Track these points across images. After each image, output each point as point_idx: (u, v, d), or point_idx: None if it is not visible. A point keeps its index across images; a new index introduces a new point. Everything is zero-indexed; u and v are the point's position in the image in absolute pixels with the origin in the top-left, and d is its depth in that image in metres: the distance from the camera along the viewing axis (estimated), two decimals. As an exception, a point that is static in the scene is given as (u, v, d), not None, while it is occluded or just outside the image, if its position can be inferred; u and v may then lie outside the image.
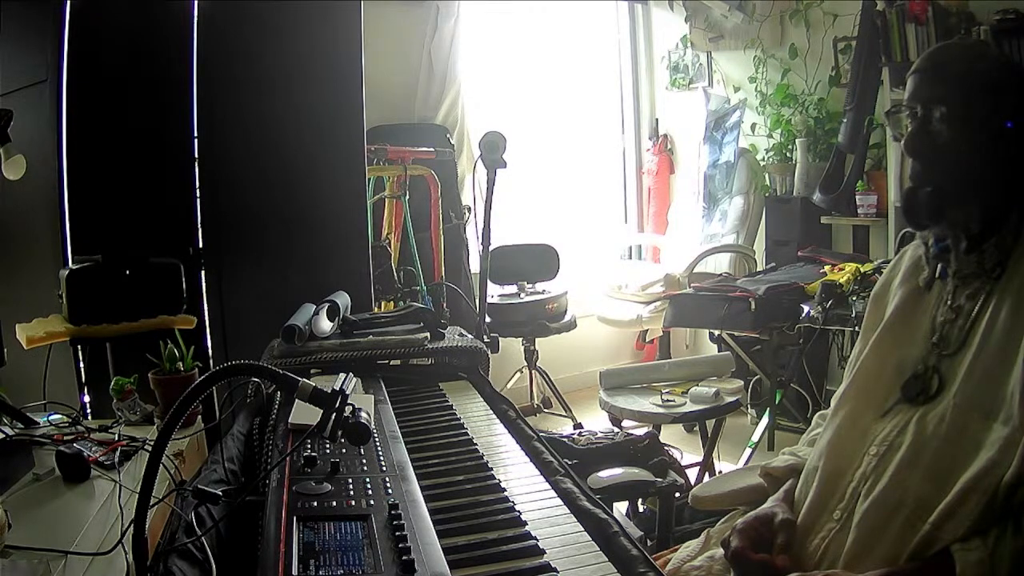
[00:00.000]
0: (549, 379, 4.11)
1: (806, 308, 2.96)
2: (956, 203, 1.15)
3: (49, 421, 1.71)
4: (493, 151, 2.85)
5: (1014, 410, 1.02)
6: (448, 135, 4.15)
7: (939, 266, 1.20)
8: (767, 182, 4.28)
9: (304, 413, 1.22)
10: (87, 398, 2.37)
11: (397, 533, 0.91)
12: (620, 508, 2.43)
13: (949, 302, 1.17)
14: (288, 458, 1.10)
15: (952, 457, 1.06)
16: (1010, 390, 1.04)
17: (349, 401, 1.00)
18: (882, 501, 1.10)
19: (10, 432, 1.58)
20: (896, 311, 1.26)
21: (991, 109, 1.13)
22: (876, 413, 1.19)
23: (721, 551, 1.28)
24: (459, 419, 1.55)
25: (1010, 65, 1.18)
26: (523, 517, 1.10)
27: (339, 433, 0.99)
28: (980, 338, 1.10)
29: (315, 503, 0.98)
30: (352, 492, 1.02)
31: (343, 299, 2.05)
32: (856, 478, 1.16)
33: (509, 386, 4.06)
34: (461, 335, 1.97)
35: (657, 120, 5.07)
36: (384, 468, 1.12)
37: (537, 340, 4.03)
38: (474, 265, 3.95)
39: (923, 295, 1.22)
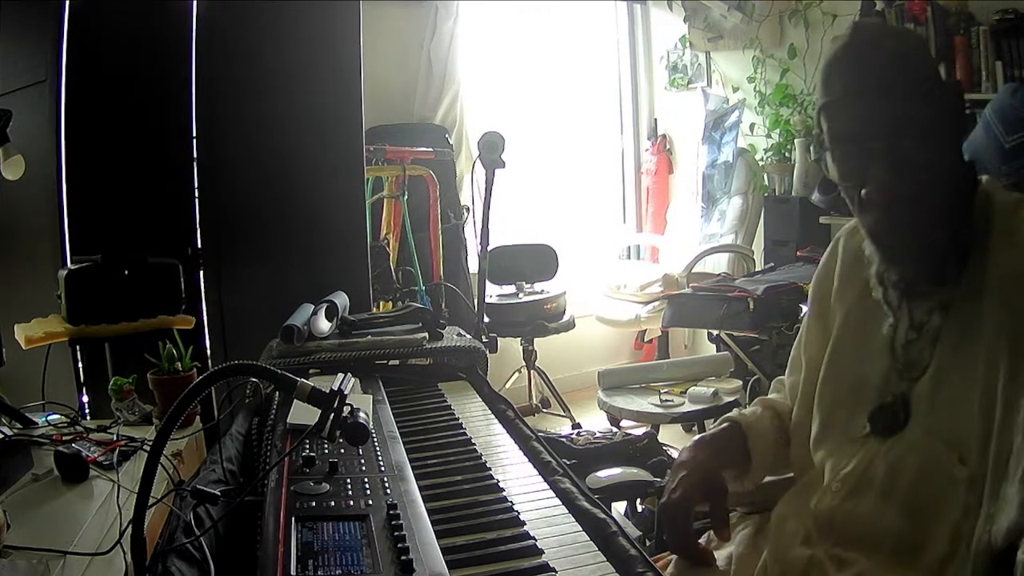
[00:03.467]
0: (548, 379, 4.11)
1: (805, 308, 2.96)
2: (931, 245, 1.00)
3: (48, 421, 1.71)
4: (492, 151, 2.86)
5: (972, 446, 0.94)
6: (447, 135, 4.15)
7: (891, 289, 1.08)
8: (766, 182, 4.28)
9: (302, 413, 1.21)
10: (86, 398, 2.37)
11: (396, 533, 0.91)
12: (619, 508, 2.43)
13: (909, 320, 1.05)
14: (287, 458, 1.10)
15: (927, 492, 0.98)
16: (970, 421, 0.95)
17: (347, 401, 1.00)
18: (858, 541, 1.04)
19: (9, 432, 1.58)
20: (845, 324, 1.15)
21: (940, 111, 0.98)
22: (839, 439, 1.11)
23: (725, 552, 1.26)
24: (457, 419, 1.55)
25: (920, 42, 1.06)
26: (522, 517, 1.10)
27: (337, 433, 0.99)
28: (939, 360, 1.01)
29: (313, 503, 0.98)
30: (351, 492, 1.02)
31: (341, 299, 2.05)
32: (822, 511, 1.09)
33: (508, 386, 4.06)
34: (460, 335, 1.97)
35: (656, 120, 5.07)
36: (383, 468, 1.12)
37: (536, 340, 4.03)
38: (473, 265, 3.96)
39: (875, 307, 1.10)
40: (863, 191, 1.00)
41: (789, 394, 1.32)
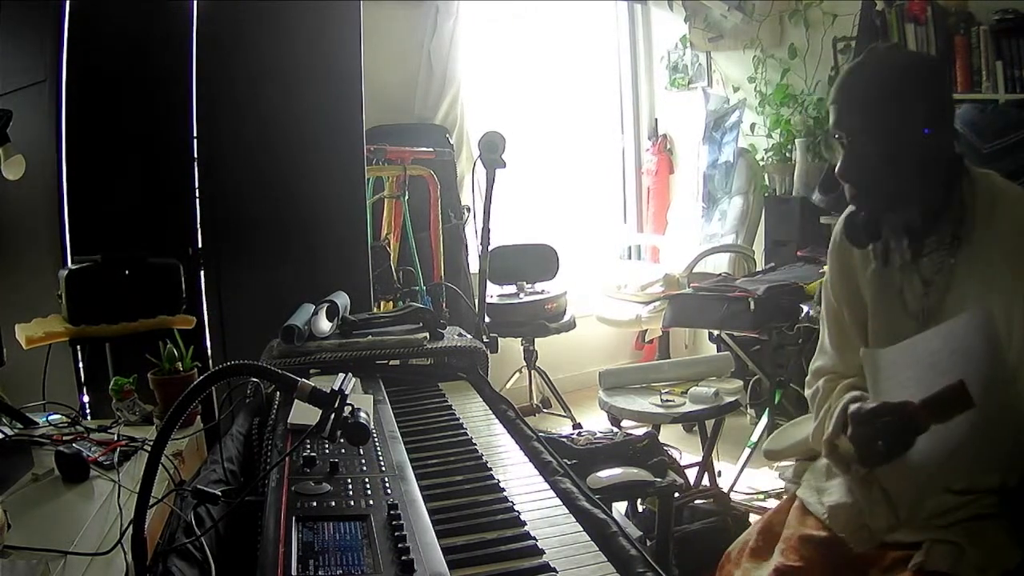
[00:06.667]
0: (548, 379, 4.11)
1: (805, 308, 2.96)
2: (893, 217, 1.29)
3: (48, 421, 1.71)
4: (492, 151, 2.86)
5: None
6: (447, 135, 4.15)
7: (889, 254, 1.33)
8: (766, 182, 4.27)
9: (303, 413, 1.22)
10: (86, 398, 2.37)
11: (396, 533, 0.91)
12: (619, 508, 2.43)
13: (918, 277, 1.29)
14: (287, 458, 1.10)
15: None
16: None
17: (348, 401, 1.00)
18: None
19: (9, 432, 1.58)
20: (871, 301, 1.36)
21: (905, 122, 1.23)
22: None
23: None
24: (458, 419, 1.55)
25: (917, 67, 1.27)
26: (522, 517, 1.10)
27: (338, 433, 0.99)
28: (951, 304, 1.23)
29: (314, 503, 0.98)
30: (351, 492, 1.02)
31: (342, 299, 2.05)
32: None
33: (508, 386, 4.06)
34: (460, 335, 1.97)
35: (656, 120, 5.07)
36: (383, 468, 1.12)
37: (536, 340, 4.02)
38: (473, 265, 3.95)
39: (887, 275, 1.34)
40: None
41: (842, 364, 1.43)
